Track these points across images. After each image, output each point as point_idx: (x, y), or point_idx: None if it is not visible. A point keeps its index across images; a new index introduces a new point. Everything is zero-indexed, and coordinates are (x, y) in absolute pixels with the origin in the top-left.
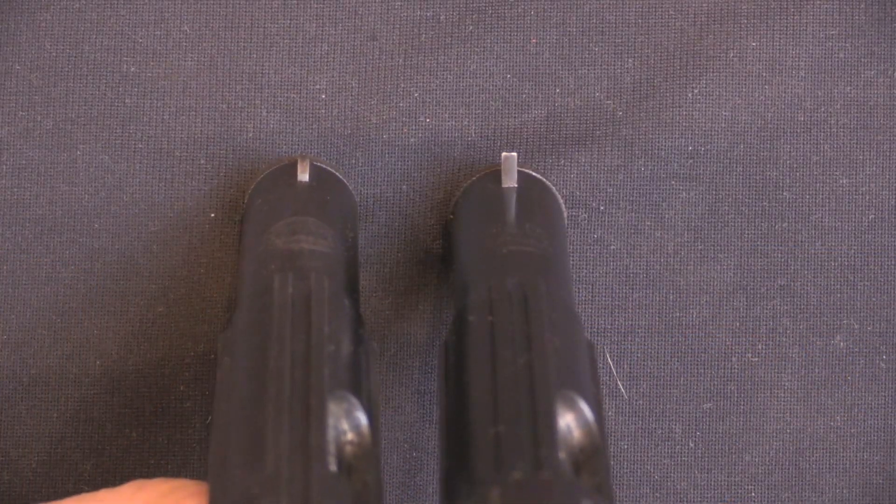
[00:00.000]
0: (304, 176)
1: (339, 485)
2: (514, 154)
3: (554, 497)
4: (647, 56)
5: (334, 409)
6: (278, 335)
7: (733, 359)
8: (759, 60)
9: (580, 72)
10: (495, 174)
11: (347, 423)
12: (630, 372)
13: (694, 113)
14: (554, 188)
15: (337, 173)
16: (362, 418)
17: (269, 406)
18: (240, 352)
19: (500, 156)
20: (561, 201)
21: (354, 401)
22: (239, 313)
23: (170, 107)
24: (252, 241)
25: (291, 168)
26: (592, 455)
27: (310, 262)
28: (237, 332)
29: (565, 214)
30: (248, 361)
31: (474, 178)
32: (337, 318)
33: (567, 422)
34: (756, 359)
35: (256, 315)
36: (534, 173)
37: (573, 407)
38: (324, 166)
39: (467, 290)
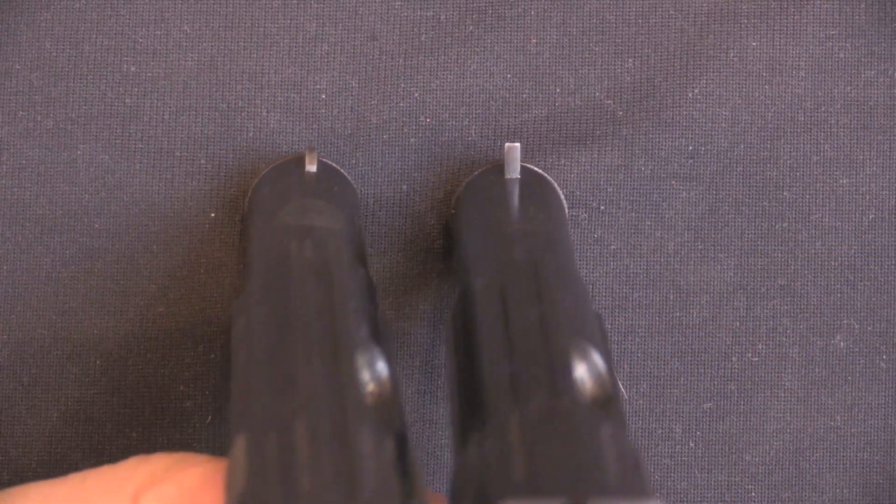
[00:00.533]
0: (311, 167)
1: (372, 412)
2: (517, 144)
3: (575, 423)
4: (647, 56)
5: (358, 358)
6: (300, 290)
7: (733, 359)
8: (759, 60)
9: (580, 72)
10: (497, 168)
11: (369, 373)
12: (630, 372)
13: (694, 113)
14: (555, 183)
15: (341, 169)
16: (384, 369)
17: (295, 348)
18: (258, 310)
19: (500, 156)
20: (562, 196)
21: (376, 351)
22: (253, 280)
23: (170, 107)
24: (261, 222)
25: (297, 161)
26: (606, 404)
27: (324, 234)
28: (253, 294)
29: (566, 210)
30: (269, 316)
31: (476, 173)
32: (356, 279)
33: (580, 373)
34: (756, 359)
35: (274, 277)
36: (535, 168)
37: (586, 357)
38: (328, 162)
39: (473, 265)
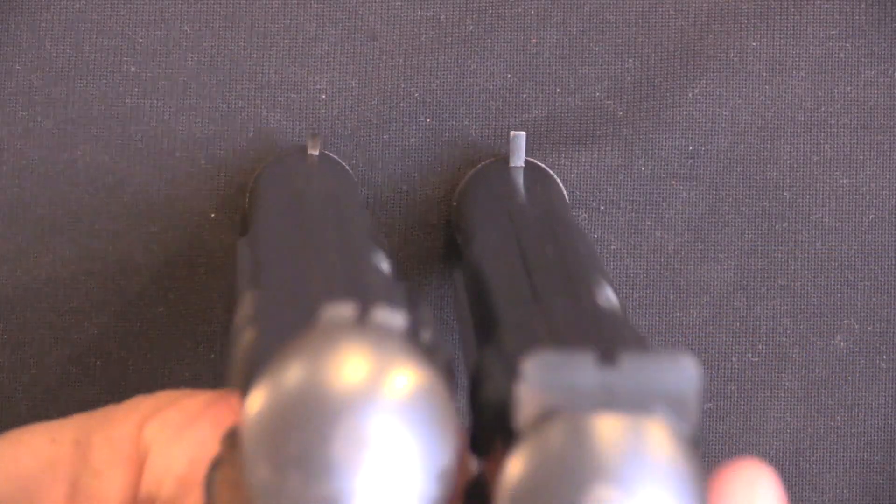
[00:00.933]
0: (314, 151)
1: (390, 281)
2: (523, 133)
3: (598, 320)
4: (647, 56)
5: (365, 251)
6: (310, 212)
7: (733, 359)
8: (759, 60)
9: (580, 72)
10: (499, 161)
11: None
12: None
13: (694, 113)
14: (556, 177)
15: (341, 161)
16: (388, 269)
17: (308, 248)
18: (266, 236)
19: (500, 154)
20: (563, 189)
21: (382, 255)
22: (259, 218)
23: (170, 107)
24: (268, 191)
25: (300, 149)
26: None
27: (328, 182)
28: (259, 229)
29: (567, 201)
30: (280, 234)
31: (478, 166)
32: (361, 211)
33: (601, 301)
34: (756, 359)
35: (282, 210)
36: (536, 161)
37: (601, 291)
38: (329, 154)
39: (483, 226)
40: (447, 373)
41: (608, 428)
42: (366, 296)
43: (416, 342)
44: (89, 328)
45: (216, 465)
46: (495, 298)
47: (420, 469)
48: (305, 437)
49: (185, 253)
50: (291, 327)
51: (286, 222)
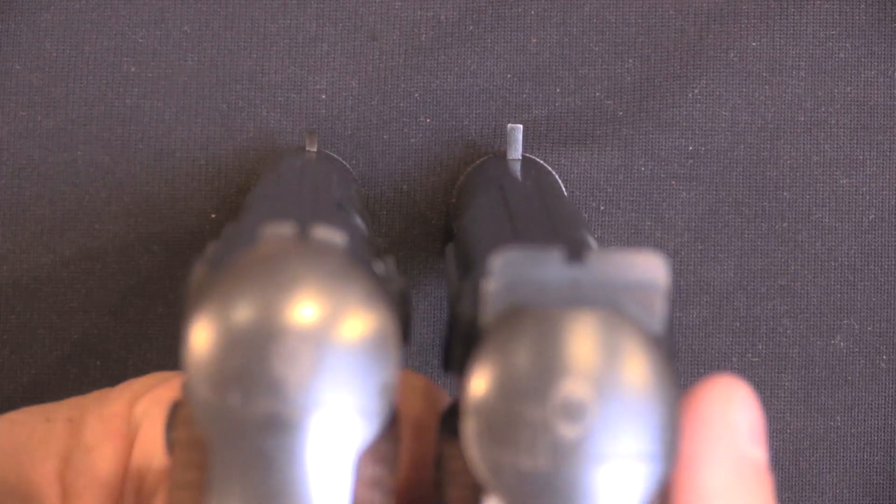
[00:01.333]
0: (311, 146)
1: (338, 214)
2: (520, 125)
3: (576, 250)
4: (647, 56)
5: (335, 210)
6: (288, 183)
7: (733, 359)
8: (760, 60)
9: (580, 72)
10: (497, 156)
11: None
12: None
13: (694, 113)
14: (555, 173)
15: (340, 159)
16: (361, 226)
17: (275, 202)
18: (245, 211)
19: (498, 152)
20: (561, 184)
21: (359, 221)
22: (245, 204)
23: (170, 107)
24: (258, 183)
25: (298, 148)
26: None
27: (319, 168)
28: (242, 210)
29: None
30: (257, 204)
31: (477, 162)
32: (350, 191)
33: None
34: (756, 359)
35: (264, 189)
36: (535, 158)
37: (586, 246)
38: (328, 152)
39: (474, 198)
40: (400, 301)
41: (575, 323)
42: (309, 219)
43: (356, 259)
44: (89, 328)
45: (175, 406)
46: (478, 242)
47: (361, 385)
48: (244, 354)
49: (185, 253)
50: (234, 252)
51: (265, 193)
